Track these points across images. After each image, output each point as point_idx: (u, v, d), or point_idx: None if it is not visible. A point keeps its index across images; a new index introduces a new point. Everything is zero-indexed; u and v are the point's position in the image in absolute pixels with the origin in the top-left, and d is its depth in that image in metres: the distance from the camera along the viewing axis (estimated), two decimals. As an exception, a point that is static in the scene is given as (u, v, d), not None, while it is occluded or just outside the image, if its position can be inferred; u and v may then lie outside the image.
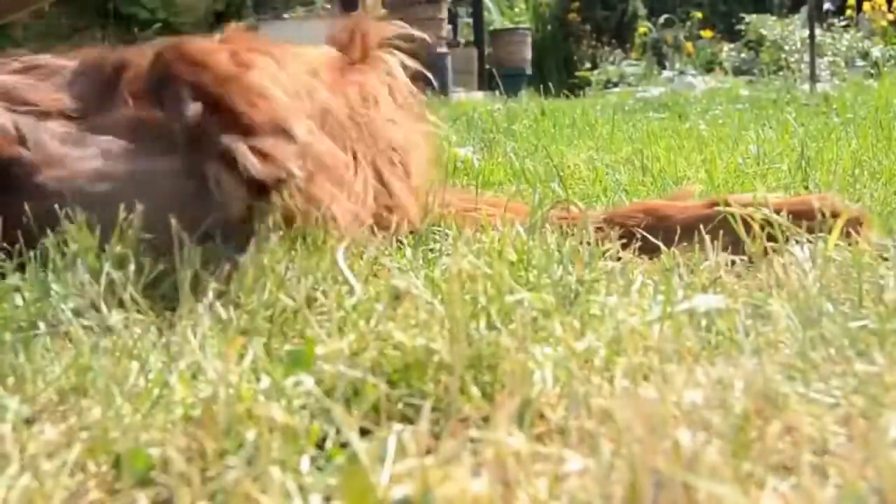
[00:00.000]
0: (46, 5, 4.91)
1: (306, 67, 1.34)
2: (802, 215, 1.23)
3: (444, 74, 7.68)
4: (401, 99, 1.51)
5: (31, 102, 1.25)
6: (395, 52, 1.55)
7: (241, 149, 1.03)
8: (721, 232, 1.18)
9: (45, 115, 1.24)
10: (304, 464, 0.65)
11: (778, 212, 1.19)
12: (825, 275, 1.02)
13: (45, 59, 1.38)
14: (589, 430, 0.69)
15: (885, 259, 1.15)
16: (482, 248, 1.08)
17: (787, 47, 8.40)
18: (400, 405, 0.74)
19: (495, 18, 11.66)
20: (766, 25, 9.06)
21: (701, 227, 1.23)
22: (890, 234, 1.32)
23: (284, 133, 1.07)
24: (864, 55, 8.25)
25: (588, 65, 10.62)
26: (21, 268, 1.04)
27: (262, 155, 1.03)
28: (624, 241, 1.29)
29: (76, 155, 1.16)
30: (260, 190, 1.03)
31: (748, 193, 1.42)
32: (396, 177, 1.41)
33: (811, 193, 1.59)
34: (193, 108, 1.08)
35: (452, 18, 9.57)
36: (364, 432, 0.69)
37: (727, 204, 1.27)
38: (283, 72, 1.24)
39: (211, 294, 0.95)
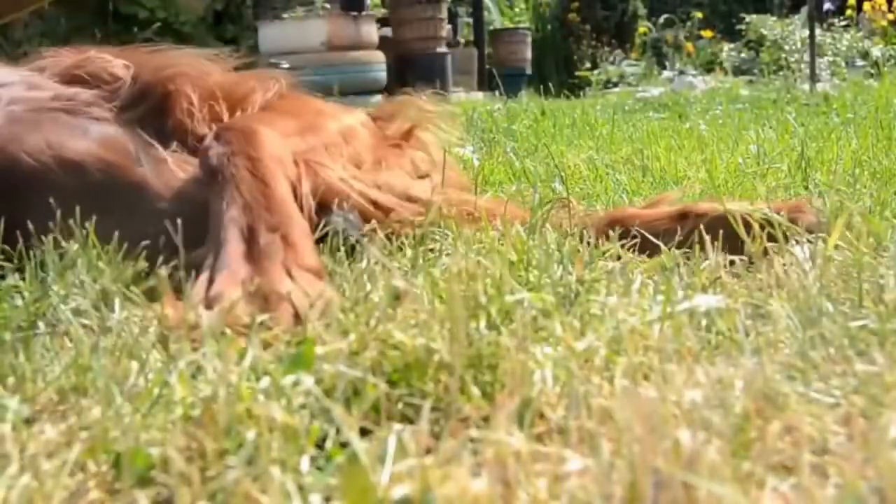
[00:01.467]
0: (46, 5, 4.91)
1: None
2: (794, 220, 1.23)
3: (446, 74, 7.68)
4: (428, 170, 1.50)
5: (96, 115, 1.24)
6: (434, 126, 1.54)
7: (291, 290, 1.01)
8: (689, 242, 1.18)
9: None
10: (304, 464, 0.65)
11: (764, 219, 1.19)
12: (825, 275, 1.02)
13: (96, 61, 1.35)
14: (589, 430, 0.69)
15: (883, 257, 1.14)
16: (482, 248, 1.08)
17: (787, 47, 8.39)
18: (400, 405, 0.74)
19: (495, 18, 11.66)
20: (767, 25, 9.05)
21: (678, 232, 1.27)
22: (890, 235, 1.32)
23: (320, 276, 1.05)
24: (864, 55, 8.25)
25: (588, 65, 10.61)
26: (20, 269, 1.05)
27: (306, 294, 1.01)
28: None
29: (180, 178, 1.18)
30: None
31: (716, 202, 1.39)
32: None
33: (803, 196, 1.60)
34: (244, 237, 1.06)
35: (452, 18, 9.56)
36: (364, 432, 0.69)
37: (699, 213, 1.32)
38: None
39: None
